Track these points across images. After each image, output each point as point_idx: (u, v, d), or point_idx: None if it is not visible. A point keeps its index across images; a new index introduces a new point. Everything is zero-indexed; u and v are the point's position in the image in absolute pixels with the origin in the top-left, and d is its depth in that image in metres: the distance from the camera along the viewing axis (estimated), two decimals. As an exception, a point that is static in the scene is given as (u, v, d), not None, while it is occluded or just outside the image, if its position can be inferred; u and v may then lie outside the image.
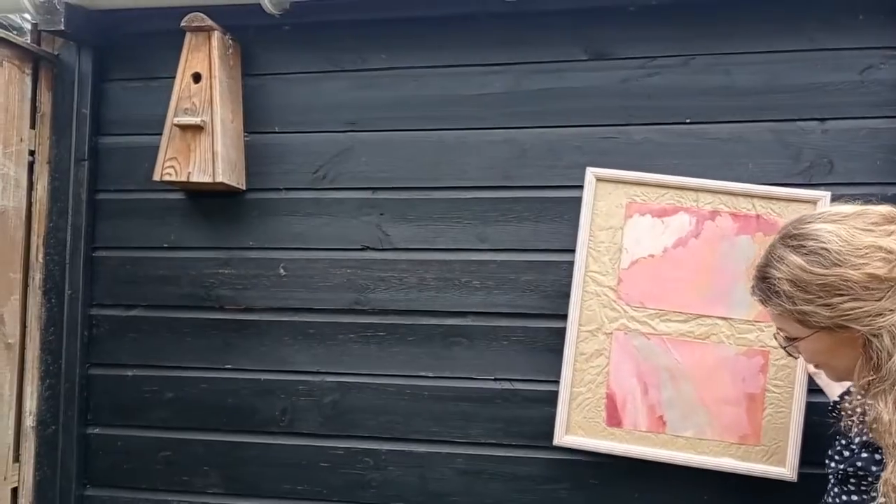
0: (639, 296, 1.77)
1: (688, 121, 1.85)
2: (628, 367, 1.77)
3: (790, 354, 1.32)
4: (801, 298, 1.15)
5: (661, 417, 1.75)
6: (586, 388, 1.78)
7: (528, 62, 1.92)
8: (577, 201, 1.84)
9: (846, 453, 1.28)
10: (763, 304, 1.26)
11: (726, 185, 1.76)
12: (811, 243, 1.15)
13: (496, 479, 1.89)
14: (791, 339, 1.25)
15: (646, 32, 1.87)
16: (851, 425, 1.22)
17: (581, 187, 1.83)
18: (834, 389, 1.56)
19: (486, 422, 1.90)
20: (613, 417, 1.77)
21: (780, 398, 1.71)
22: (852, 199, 1.72)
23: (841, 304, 1.11)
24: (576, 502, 1.85)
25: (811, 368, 1.63)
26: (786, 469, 1.68)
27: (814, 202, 1.71)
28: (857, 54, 1.78)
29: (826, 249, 1.12)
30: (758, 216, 1.74)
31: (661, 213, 1.78)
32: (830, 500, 1.29)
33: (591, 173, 1.80)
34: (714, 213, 1.76)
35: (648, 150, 1.85)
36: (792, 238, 1.19)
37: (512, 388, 1.89)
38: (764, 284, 1.22)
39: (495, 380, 1.90)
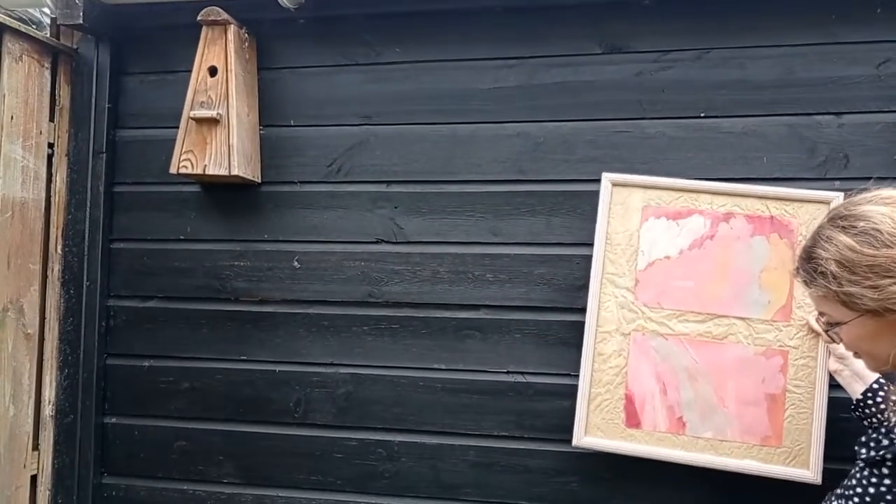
0: (656, 297, 1.77)
1: (702, 115, 1.84)
2: (646, 367, 1.77)
3: (832, 340, 1.31)
4: (848, 279, 1.13)
5: (680, 418, 1.74)
6: (605, 389, 1.78)
7: (542, 56, 1.93)
8: (591, 195, 1.85)
9: (885, 441, 1.26)
10: (807, 285, 1.24)
11: (740, 187, 1.76)
12: (862, 224, 1.13)
13: (508, 472, 1.90)
14: (833, 324, 1.23)
15: (660, 26, 1.86)
16: (893, 416, 1.20)
17: (595, 181, 1.84)
18: (856, 388, 1.54)
19: (499, 414, 1.91)
20: (632, 418, 1.76)
21: (802, 398, 1.69)
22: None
23: (889, 286, 1.09)
24: (588, 496, 1.86)
25: (832, 366, 1.62)
26: (809, 471, 1.66)
27: (827, 202, 1.70)
28: (873, 48, 1.77)
29: (878, 230, 1.11)
30: (772, 217, 1.74)
31: (676, 216, 1.78)
32: (855, 482, 1.26)
33: (606, 178, 1.81)
34: (728, 215, 1.76)
35: (662, 144, 1.85)
36: (842, 219, 1.17)
37: (524, 381, 1.89)
38: (809, 265, 1.21)
39: (508, 373, 1.91)
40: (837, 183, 1.76)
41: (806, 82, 1.80)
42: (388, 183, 1.99)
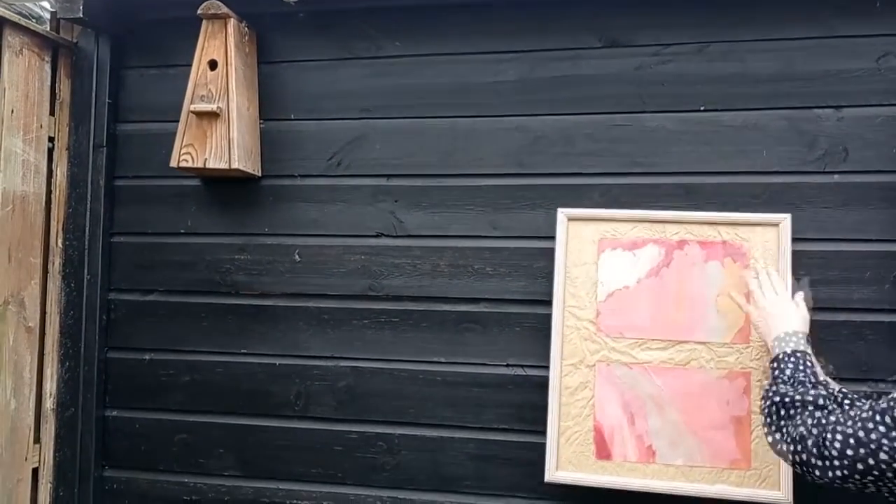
0: (617, 326, 1.80)
1: (702, 108, 1.84)
2: (613, 397, 1.78)
3: None
4: None
5: (649, 447, 1.76)
6: (573, 422, 1.79)
7: (542, 49, 1.93)
8: (591, 189, 1.87)
9: None
10: None
11: (691, 214, 1.79)
12: None
13: (508, 465, 1.90)
14: None
15: (660, 19, 1.86)
16: None
17: (596, 174, 1.87)
18: None
19: (499, 407, 1.91)
20: (602, 450, 1.78)
21: None
22: (867, 187, 1.73)
23: None
24: (587, 488, 1.86)
25: None
26: (780, 492, 1.68)
27: (776, 224, 1.74)
28: (873, 41, 1.77)
29: None
30: (724, 242, 1.77)
31: (632, 246, 1.81)
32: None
33: (562, 214, 1.84)
34: (682, 243, 1.79)
35: (662, 138, 1.86)
36: None
37: (524, 373, 1.90)
38: None
39: (507, 366, 1.91)
40: (837, 176, 1.77)
41: (805, 76, 1.80)
42: (388, 177, 2.00)
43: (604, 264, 1.81)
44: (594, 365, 1.79)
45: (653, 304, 1.78)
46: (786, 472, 1.67)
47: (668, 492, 1.73)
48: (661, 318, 1.77)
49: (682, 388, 1.75)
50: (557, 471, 1.79)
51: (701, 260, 1.77)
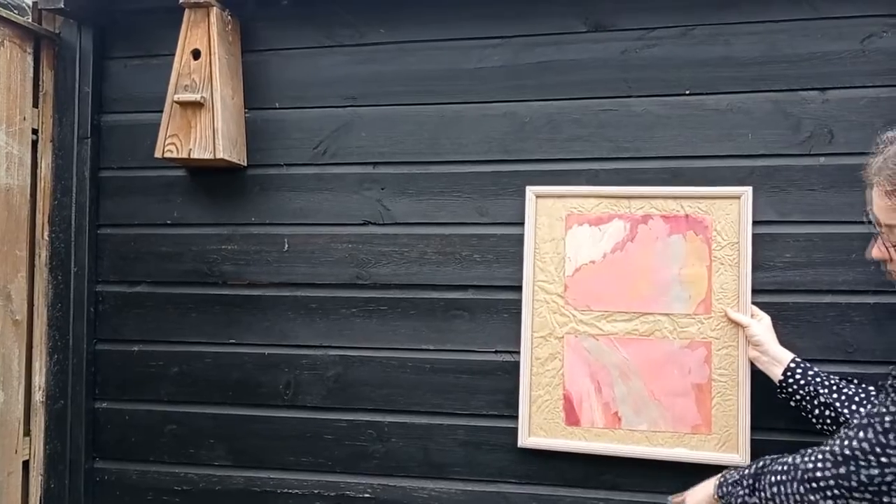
0: (584, 300, 1.84)
1: (687, 92, 1.84)
2: (581, 367, 1.84)
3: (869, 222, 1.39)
4: None
5: (615, 414, 1.82)
6: (544, 391, 1.86)
7: (526, 35, 1.92)
8: (578, 174, 1.87)
9: None
10: (868, 175, 1.36)
11: (655, 189, 1.82)
12: None
13: (497, 451, 1.91)
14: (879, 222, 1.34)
15: (645, 3, 1.85)
16: None
17: (582, 160, 1.87)
18: (775, 371, 1.63)
19: (487, 394, 1.92)
20: (571, 417, 1.84)
21: (726, 386, 1.76)
22: (852, 169, 1.73)
23: None
24: (576, 473, 1.87)
25: (751, 353, 1.70)
26: (738, 455, 1.73)
27: (737, 197, 1.77)
28: (858, 23, 1.76)
29: None
30: (686, 216, 1.80)
31: (598, 222, 1.84)
32: (884, 409, 1.21)
33: (530, 191, 1.88)
34: (646, 217, 1.82)
35: (648, 122, 1.85)
36: None
37: (512, 360, 1.90)
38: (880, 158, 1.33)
39: (496, 352, 1.91)
40: (822, 159, 1.76)
41: (790, 58, 1.79)
42: (375, 164, 1.99)
43: (571, 240, 1.85)
44: (563, 337, 1.85)
45: (618, 277, 1.83)
46: (744, 436, 1.73)
47: (632, 455, 1.80)
48: (626, 291, 1.82)
49: (646, 358, 1.81)
50: (530, 437, 1.86)
51: (664, 234, 1.81)
